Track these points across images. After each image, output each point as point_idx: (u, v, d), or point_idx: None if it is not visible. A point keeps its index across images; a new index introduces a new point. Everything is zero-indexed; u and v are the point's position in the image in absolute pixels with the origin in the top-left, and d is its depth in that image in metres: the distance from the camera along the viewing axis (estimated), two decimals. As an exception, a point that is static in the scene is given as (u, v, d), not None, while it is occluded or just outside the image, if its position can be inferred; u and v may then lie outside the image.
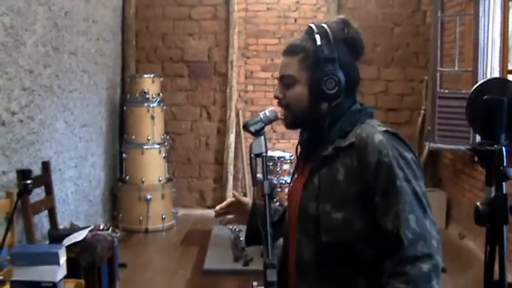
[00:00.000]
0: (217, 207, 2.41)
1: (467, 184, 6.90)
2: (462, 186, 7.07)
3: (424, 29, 8.08)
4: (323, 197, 1.91)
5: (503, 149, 1.60)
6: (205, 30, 8.36)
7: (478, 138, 5.39)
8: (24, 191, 3.39)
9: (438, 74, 7.09)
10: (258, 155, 2.00)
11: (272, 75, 8.37)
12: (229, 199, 2.41)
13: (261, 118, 2.08)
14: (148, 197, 7.33)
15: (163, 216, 7.45)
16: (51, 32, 5.51)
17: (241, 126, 8.24)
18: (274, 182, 6.31)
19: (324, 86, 1.93)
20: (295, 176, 2.16)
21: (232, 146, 8.33)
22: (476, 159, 1.84)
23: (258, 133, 2.04)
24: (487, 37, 6.40)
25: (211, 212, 9.01)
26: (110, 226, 5.42)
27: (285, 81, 2.03)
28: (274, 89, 2.11)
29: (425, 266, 1.73)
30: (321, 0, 8.25)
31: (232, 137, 8.30)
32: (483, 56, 6.44)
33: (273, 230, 1.91)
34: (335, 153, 1.92)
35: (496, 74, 6.33)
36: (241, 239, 6.28)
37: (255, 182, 1.99)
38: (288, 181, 6.77)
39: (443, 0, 7.16)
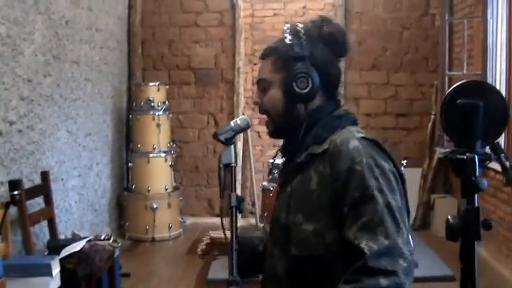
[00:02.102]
0: (199, 249, 2.30)
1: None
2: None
3: (433, 33, 7.95)
4: (295, 207, 1.80)
5: (476, 157, 1.49)
6: (211, 37, 8.30)
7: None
8: (12, 202, 3.36)
9: (447, 78, 6.96)
10: (226, 165, 1.92)
11: (280, 82, 8.28)
12: (207, 238, 2.27)
13: (231, 127, 2.00)
14: (155, 205, 7.27)
15: (170, 225, 7.39)
16: (51, 41, 5.48)
17: (248, 134, 8.17)
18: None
19: (295, 85, 1.82)
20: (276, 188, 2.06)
21: (240, 153, 8.24)
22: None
23: (228, 142, 1.97)
24: (496, 40, 6.28)
25: (219, 221, 8.95)
26: (111, 236, 5.38)
27: (261, 86, 1.96)
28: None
29: (384, 281, 1.54)
30: (328, 5, 8.15)
31: (239, 145, 8.21)
32: (492, 59, 6.32)
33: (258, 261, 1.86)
34: (309, 160, 1.82)
35: (505, 78, 6.21)
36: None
37: (223, 194, 1.92)
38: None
39: (451, 3, 7.04)
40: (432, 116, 7.92)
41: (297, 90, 1.82)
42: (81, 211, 6.28)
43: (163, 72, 8.31)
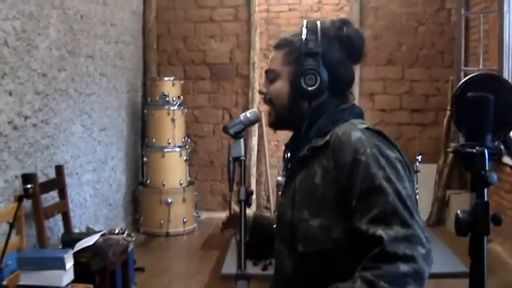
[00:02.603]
0: (220, 223, 2.31)
1: (493, 186, 6.68)
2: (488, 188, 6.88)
3: (449, 28, 7.88)
4: (300, 203, 1.78)
5: (486, 151, 1.47)
6: (226, 32, 8.30)
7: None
8: (25, 195, 3.37)
9: (462, 74, 6.91)
10: (236, 159, 1.92)
11: (295, 77, 8.27)
12: (228, 213, 2.27)
13: (241, 120, 2.00)
14: (169, 200, 7.29)
15: (185, 220, 7.40)
16: (66, 35, 5.50)
17: (263, 129, 8.16)
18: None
19: (303, 81, 1.81)
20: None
21: (255, 148, 8.24)
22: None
23: (237, 135, 1.96)
24: (512, 35, 6.23)
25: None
26: (125, 230, 5.39)
27: (269, 76, 1.95)
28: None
29: (403, 267, 1.51)
30: (343, 0, 8.12)
31: (254, 140, 8.21)
32: (508, 54, 6.26)
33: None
34: (312, 153, 1.80)
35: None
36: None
37: (232, 187, 1.91)
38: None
39: (468, -2, 7.00)
40: (448, 112, 7.86)
41: (304, 86, 1.81)
42: (95, 205, 6.30)
43: (178, 68, 8.32)
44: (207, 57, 8.34)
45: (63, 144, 5.45)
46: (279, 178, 6.63)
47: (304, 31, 1.85)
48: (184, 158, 7.57)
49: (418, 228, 1.57)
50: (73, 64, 5.67)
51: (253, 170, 8.26)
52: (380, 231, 1.55)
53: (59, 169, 5.10)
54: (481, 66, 6.72)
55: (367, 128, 1.75)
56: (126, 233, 5.33)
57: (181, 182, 7.47)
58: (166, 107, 7.39)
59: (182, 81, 7.75)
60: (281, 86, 1.90)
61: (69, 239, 4.80)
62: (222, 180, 8.44)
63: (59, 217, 5.13)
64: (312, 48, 1.82)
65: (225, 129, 1.98)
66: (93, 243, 4.57)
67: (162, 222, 7.29)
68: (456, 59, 7.19)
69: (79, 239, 4.66)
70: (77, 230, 5.49)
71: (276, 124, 1.97)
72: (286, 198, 1.86)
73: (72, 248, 4.36)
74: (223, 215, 7.90)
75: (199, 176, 8.38)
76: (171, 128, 7.41)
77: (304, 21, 1.89)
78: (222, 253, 6.55)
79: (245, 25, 8.25)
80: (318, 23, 1.87)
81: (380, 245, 1.54)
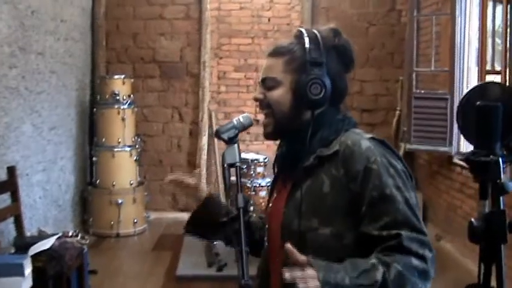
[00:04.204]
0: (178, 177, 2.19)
1: (444, 185, 6.83)
2: (438, 188, 7.00)
3: (399, 29, 7.99)
4: (308, 213, 1.76)
5: (500, 160, 1.46)
6: (177, 30, 8.19)
7: (455, 138, 5.26)
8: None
9: (414, 74, 7.00)
10: (231, 165, 1.86)
11: (245, 76, 8.26)
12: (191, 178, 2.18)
13: (234, 124, 1.93)
14: (120, 201, 7.15)
15: (135, 221, 7.28)
16: (17, 31, 5.32)
17: (213, 128, 8.10)
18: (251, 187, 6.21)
19: (308, 90, 1.79)
20: (274, 195, 2.00)
21: (205, 148, 8.17)
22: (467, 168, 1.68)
23: (231, 141, 1.90)
24: (464, 37, 6.34)
25: (184, 216, 8.82)
26: (78, 233, 5.26)
27: (267, 84, 1.90)
28: (256, 90, 1.96)
29: (415, 261, 1.60)
30: (295, 0, 8.12)
31: (204, 139, 8.14)
32: (460, 55, 6.38)
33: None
34: (318, 163, 1.79)
35: (473, 74, 6.28)
36: (214, 243, 6.15)
37: (228, 194, 1.85)
38: (262, 184, 6.77)
39: (419, 0, 7.08)
40: (397, 112, 7.97)
41: (310, 95, 1.80)
42: (45, 207, 6.13)
43: (127, 65, 8.17)
44: (157, 55, 8.22)
45: (14, 144, 5.27)
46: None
47: (307, 40, 1.84)
48: (135, 157, 7.44)
49: (425, 234, 1.66)
50: (24, 61, 5.50)
51: (203, 170, 8.18)
52: (396, 231, 1.62)
53: (11, 170, 4.91)
54: (432, 68, 6.83)
55: (373, 138, 1.79)
56: (79, 235, 5.20)
57: (132, 182, 7.35)
58: (117, 106, 7.24)
59: (132, 80, 7.60)
60: (282, 93, 1.87)
61: (22, 243, 4.64)
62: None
63: (9, 220, 4.95)
64: (316, 58, 1.82)
65: (218, 134, 1.92)
66: (49, 247, 4.43)
67: (112, 223, 7.14)
68: (407, 59, 7.27)
69: (32, 243, 4.50)
70: (28, 233, 5.31)
71: (273, 134, 1.93)
72: (291, 208, 1.82)
73: (26, 252, 4.22)
74: (172, 215, 7.77)
75: (149, 175, 8.24)
76: (121, 127, 7.27)
77: (303, 30, 1.89)
78: (174, 254, 6.46)
79: (196, 23, 8.16)
80: (317, 32, 1.86)
81: (398, 238, 1.61)
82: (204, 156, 8.18)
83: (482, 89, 1.65)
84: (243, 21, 8.16)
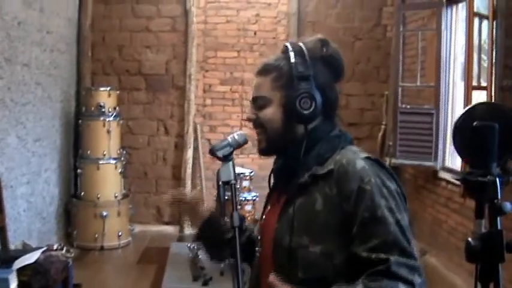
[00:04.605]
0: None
1: (429, 199, 6.85)
2: (424, 202, 7.03)
3: (385, 43, 8.04)
4: (299, 229, 1.76)
5: (497, 180, 1.47)
6: (163, 43, 8.18)
7: (440, 153, 5.28)
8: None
9: (400, 89, 7.04)
10: (226, 183, 1.86)
11: (231, 89, 8.26)
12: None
13: (229, 142, 1.93)
14: (104, 213, 7.10)
15: (120, 234, 7.23)
16: (3, 42, 5.30)
17: (199, 141, 8.11)
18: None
19: (298, 105, 1.79)
20: (268, 207, 2.00)
21: (190, 161, 8.15)
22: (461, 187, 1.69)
23: (226, 159, 1.90)
24: (450, 52, 6.40)
25: (168, 229, 8.78)
26: (63, 246, 5.22)
27: (258, 103, 1.89)
28: (242, 105, 1.96)
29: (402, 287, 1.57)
30: (281, 14, 8.16)
31: (190, 152, 8.13)
32: (445, 71, 6.43)
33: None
34: (312, 181, 1.78)
35: (459, 90, 6.32)
36: (199, 257, 6.13)
37: (224, 213, 1.85)
38: (248, 198, 6.77)
39: (405, 15, 7.13)
40: (382, 126, 7.99)
41: (300, 110, 1.80)
42: (29, 219, 6.07)
43: (113, 77, 8.13)
44: (142, 68, 8.19)
45: (-1, 156, 5.23)
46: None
47: (292, 54, 1.83)
48: (120, 170, 7.41)
49: (415, 258, 1.63)
50: (10, 72, 5.47)
51: (188, 183, 8.16)
52: (385, 255, 1.60)
53: (-4, 182, 4.88)
54: (418, 83, 6.87)
55: (368, 158, 1.78)
56: (64, 249, 5.15)
57: (116, 194, 7.31)
58: (102, 118, 7.21)
59: (118, 92, 7.57)
60: (273, 111, 1.86)
61: (6, 256, 4.59)
62: (156, 192, 8.30)
63: (-6, 233, 4.90)
64: (302, 72, 1.81)
65: (213, 152, 1.92)
66: (35, 261, 4.38)
67: (96, 235, 7.09)
68: (393, 74, 7.32)
69: (17, 257, 4.47)
70: (12, 246, 5.26)
71: (267, 150, 1.93)
72: (283, 224, 1.82)
73: (10, 266, 4.17)
74: (157, 228, 7.73)
75: (133, 188, 8.19)
76: (107, 140, 7.24)
77: (288, 44, 1.88)
78: (159, 267, 6.44)
79: (182, 36, 8.15)
80: (303, 45, 1.86)
81: (385, 263, 1.58)
82: (189, 170, 8.16)
83: (477, 109, 1.65)
84: (229, 34, 8.17)
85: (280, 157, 1.94)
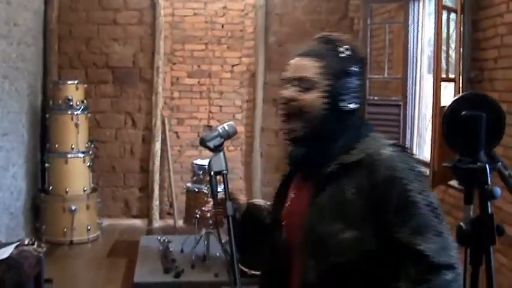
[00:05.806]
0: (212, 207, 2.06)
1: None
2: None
3: (352, 36, 8.08)
4: (332, 217, 1.79)
5: (487, 167, 1.53)
6: (130, 35, 8.13)
7: (408, 144, 5.35)
8: None
9: (367, 81, 7.10)
10: (218, 173, 1.88)
11: (198, 82, 8.25)
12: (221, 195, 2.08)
13: (219, 133, 1.96)
14: (73, 207, 7.05)
15: (89, 228, 7.19)
16: (-31, 35, 5.21)
17: (167, 134, 8.09)
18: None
19: (346, 99, 1.84)
20: (292, 195, 2.00)
21: (158, 154, 8.13)
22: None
23: (216, 149, 1.92)
24: (417, 45, 6.49)
25: (137, 222, 8.72)
26: (34, 241, 5.16)
27: (303, 84, 1.87)
28: (287, 89, 1.89)
29: (449, 275, 1.65)
30: (248, 6, 8.16)
31: (158, 145, 8.11)
32: (412, 63, 6.52)
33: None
34: (340, 170, 1.81)
35: (426, 82, 6.42)
36: (170, 250, 6.13)
37: (217, 202, 1.87)
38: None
39: (372, 8, 7.20)
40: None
41: (346, 103, 1.85)
42: (-3, 215, 6.00)
43: (80, 71, 8.05)
44: (110, 61, 8.13)
45: (-33, 151, 5.16)
46: (189, 185, 6.53)
47: (343, 49, 1.88)
48: (88, 164, 7.35)
49: (448, 234, 1.71)
50: (-23, 66, 5.39)
51: (156, 176, 8.14)
52: (422, 248, 1.66)
53: (-34, 177, 4.82)
54: (385, 75, 6.95)
55: (393, 144, 1.84)
56: (35, 243, 5.10)
57: (85, 188, 7.26)
58: (70, 112, 7.15)
59: (86, 85, 7.51)
60: (316, 97, 1.86)
61: (-22, 253, 4.54)
62: (124, 185, 8.27)
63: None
64: (354, 69, 1.87)
65: (203, 143, 1.94)
66: (8, 256, 4.34)
67: (65, 230, 7.04)
68: (361, 67, 7.37)
69: (-12, 252, 4.42)
70: (-19, 242, 5.20)
71: (304, 139, 1.89)
72: (314, 213, 1.83)
73: (-18, 262, 4.13)
74: (125, 221, 7.70)
75: (101, 181, 8.14)
76: (75, 133, 7.18)
77: (334, 37, 1.94)
78: (130, 261, 6.41)
79: (149, 28, 8.11)
80: (352, 42, 1.93)
81: (425, 258, 1.66)
82: (157, 163, 8.14)
83: (465, 99, 1.72)
84: (197, 27, 8.16)
85: (302, 145, 1.91)
